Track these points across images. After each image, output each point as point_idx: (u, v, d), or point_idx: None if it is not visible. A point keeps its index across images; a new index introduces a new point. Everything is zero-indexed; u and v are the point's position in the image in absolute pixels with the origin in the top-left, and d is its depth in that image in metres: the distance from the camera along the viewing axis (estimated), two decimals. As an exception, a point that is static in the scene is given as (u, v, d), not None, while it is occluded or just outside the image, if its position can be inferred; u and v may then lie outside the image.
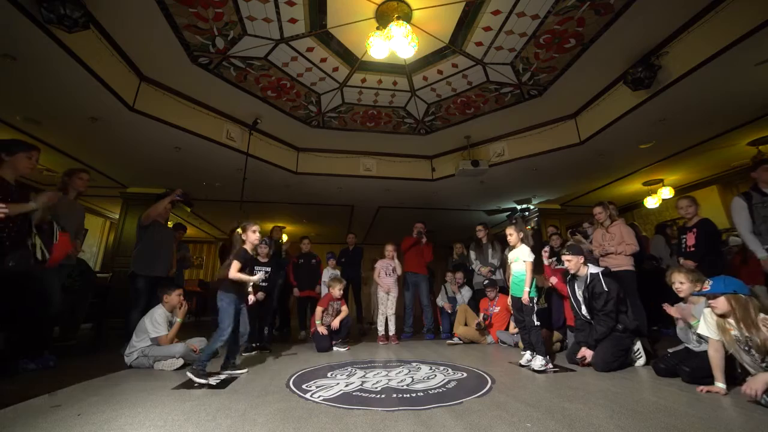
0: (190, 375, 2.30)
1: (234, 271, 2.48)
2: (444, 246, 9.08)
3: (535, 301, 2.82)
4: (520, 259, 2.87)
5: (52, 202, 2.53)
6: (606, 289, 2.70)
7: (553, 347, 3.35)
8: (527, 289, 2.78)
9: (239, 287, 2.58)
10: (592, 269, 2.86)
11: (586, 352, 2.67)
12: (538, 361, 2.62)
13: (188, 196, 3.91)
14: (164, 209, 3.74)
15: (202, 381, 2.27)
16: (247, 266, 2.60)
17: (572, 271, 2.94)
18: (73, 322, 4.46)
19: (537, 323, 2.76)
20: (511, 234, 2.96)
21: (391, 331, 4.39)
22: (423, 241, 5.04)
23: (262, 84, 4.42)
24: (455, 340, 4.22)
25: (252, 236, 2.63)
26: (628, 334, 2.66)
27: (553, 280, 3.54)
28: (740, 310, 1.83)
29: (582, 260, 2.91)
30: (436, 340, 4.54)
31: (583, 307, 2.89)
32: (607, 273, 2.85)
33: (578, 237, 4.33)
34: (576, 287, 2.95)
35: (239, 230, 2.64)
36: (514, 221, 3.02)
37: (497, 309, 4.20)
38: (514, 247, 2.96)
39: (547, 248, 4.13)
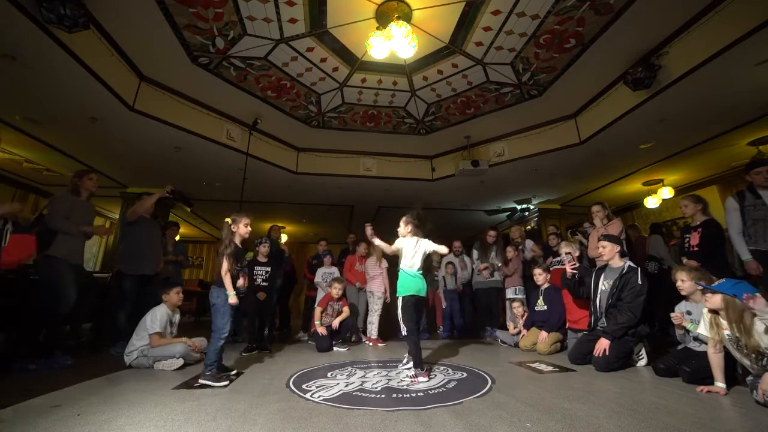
0: (204, 382, 2.23)
1: (225, 269, 2.43)
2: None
3: (399, 304, 2.59)
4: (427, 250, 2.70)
5: (9, 215, 2.50)
6: (640, 283, 2.67)
7: (552, 347, 3.33)
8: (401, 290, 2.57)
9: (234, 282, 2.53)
10: (631, 263, 2.84)
11: (604, 343, 2.54)
12: (405, 372, 2.46)
13: (177, 192, 3.82)
14: (151, 206, 3.68)
15: (223, 383, 2.22)
16: (238, 261, 2.54)
17: (605, 259, 2.90)
18: (78, 321, 4.44)
19: (406, 332, 2.52)
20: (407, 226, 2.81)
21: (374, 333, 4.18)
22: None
23: (262, 84, 4.42)
24: (425, 336, 4.41)
25: (243, 229, 2.58)
26: (634, 338, 2.65)
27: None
28: (733, 312, 1.84)
29: (617, 250, 2.88)
30: (432, 339, 4.52)
31: (599, 300, 2.87)
32: (645, 272, 2.82)
33: (578, 237, 4.33)
34: (602, 278, 2.92)
35: (228, 220, 2.59)
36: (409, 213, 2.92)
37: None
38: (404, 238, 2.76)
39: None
